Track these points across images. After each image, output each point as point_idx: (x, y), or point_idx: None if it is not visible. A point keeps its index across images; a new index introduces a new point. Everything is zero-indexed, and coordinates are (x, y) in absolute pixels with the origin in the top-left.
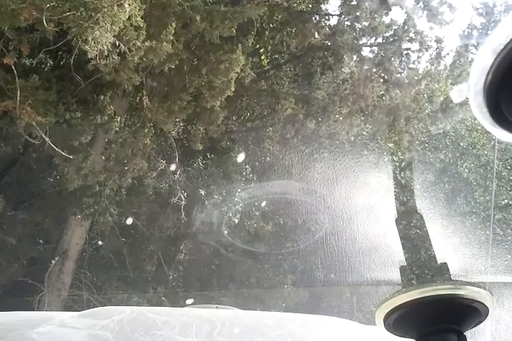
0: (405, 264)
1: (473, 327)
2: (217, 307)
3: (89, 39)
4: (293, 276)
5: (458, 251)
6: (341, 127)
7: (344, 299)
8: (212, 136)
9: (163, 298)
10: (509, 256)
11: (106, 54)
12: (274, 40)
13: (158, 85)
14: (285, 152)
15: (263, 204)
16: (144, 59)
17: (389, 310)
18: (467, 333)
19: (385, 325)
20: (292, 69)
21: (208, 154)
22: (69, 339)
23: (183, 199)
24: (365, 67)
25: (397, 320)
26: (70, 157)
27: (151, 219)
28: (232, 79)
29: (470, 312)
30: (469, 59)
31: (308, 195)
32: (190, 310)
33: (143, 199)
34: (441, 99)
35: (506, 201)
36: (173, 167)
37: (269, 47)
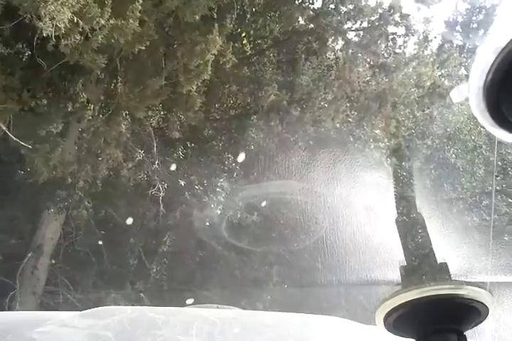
0: (405, 264)
1: (473, 327)
2: (217, 307)
3: (43, 15)
4: (278, 267)
5: (443, 238)
6: (326, 113)
7: (334, 291)
8: (192, 123)
9: (141, 295)
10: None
11: (64, 32)
12: (257, 24)
13: (131, 70)
14: (269, 140)
15: (247, 194)
16: (112, 40)
17: (389, 309)
18: (467, 333)
19: (385, 325)
20: (276, 54)
21: (188, 143)
22: (69, 339)
23: (162, 190)
24: (351, 52)
25: (397, 320)
26: (29, 146)
27: (129, 212)
28: (208, 61)
29: (470, 312)
30: (455, 45)
31: (294, 184)
32: (191, 310)
33: (120, 191)
34: (428, 83)
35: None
36: (151, 157)
37: (252, 31)
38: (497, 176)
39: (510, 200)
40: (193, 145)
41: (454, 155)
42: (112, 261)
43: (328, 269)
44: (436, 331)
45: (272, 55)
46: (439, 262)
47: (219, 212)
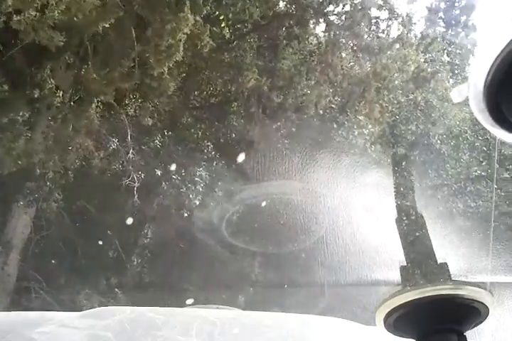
0: (405, 264)
1: (473, 328)
2: (217, 307)
3: None
4: (261, 258)
5: (429, 224)
6: (309, 99)
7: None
8: (167, 109)
9: (116, 290)
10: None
11: (10, 4)
12: (236, 7)
13: (99, 51)
14: (250, 128)
15: (226, 183)
16: (71, 16)
17: (389, 310)
18: (467, 333)
19: (385, 325)
20: (256, 39)
21: (165, 131)
22: (70, 340)
23: (137, 180)
24: (333, 35)
25: (397, 320)
26: None
27: (103, 203)
28: (180, 41)
29: (470, 312)
30: (438, 31)
31: (277, 172)
32: (191, 311)
33: (93, 181)
34: (413, 68)
35: (478, 172)
36: (126, 146)
37: (230, 15)
38: (482, 162)
39: (495, 186)
40: (170, 133)
41: (438, 141)
42: (87, 255)
43: (328, 269)
44: (437, 331)
45: (252, 39)
46: (439, 262)
47: (198, 202)
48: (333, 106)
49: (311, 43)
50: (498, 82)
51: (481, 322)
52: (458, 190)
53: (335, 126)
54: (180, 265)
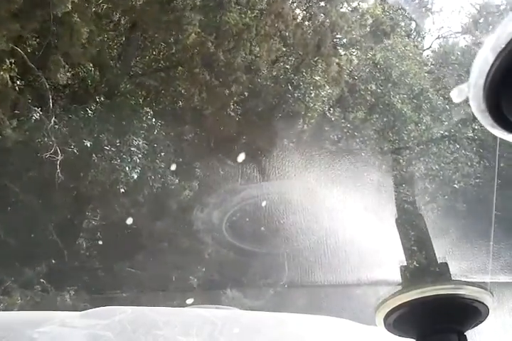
0: (405, 264)
1: (473, 327)
2: (217, 307)
3: None
4: (215, 234)
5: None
6: (260, 56)
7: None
8: (108, 77)
9: (41, 280)
10: None
11: None
12: None
13: None
14: (196, 92)
15: (169, 154)
16: None
17: (389, 310)
18: (468, 333)
19: (385, 325)
20: None
21: (99, 98)
22: (70, 339)
23: (60, 153)
24: None
25: (397, 320)
26: None
27: (28, 182)
28: None
29: (470, 312)
30: None
31: (227, 140)
32: (191, 310)
33: (11, 155)
34: (371, 21)
35: (441, 133)
36: (47, 113)
37: None
38: (444, 122)
39: (457, 146)
40: (104, 99)
41: (399, 101)
42: (11, 240)
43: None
44: (437, 331)
45: None
46: (439, 262)
47: (135, 175)
48: (287, 66)
49: None
50: (499, 82)
51: (482, 321)
52: (420, 153)
53: (290, 88)
54: (123, 245)
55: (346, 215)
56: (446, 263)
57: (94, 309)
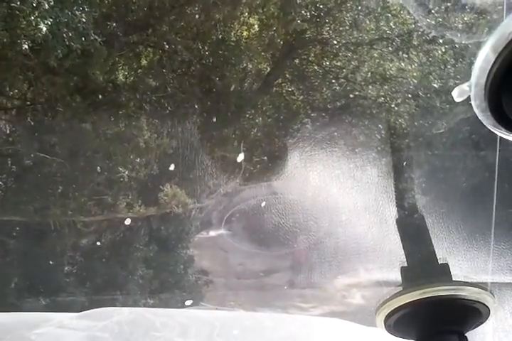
0: (406, 265)
1: (474, 328)
2: (216, 308)
3: None
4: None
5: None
6: None
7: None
8: None
9: None
10: None
11: None
12: None
13: None
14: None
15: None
16: None
17: (389, 311)
18: (469, 334)
19: (385, 327)
20: None
21: None
22: None
23: None
24: None
25: (397, 322)
26: None
27: None
28: None
29: (471, 313)
30: None
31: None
32: (190, 312)
33: None
34: None
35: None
36: None
37: None
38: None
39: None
40: None
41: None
42: None
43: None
44: (438, 332)
45: None
46: (439, 263)
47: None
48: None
49: None
50: (500, 81)
51: (482, 323)
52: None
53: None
54: None
55: None
56: (447, 264)
57: (91, 310)
